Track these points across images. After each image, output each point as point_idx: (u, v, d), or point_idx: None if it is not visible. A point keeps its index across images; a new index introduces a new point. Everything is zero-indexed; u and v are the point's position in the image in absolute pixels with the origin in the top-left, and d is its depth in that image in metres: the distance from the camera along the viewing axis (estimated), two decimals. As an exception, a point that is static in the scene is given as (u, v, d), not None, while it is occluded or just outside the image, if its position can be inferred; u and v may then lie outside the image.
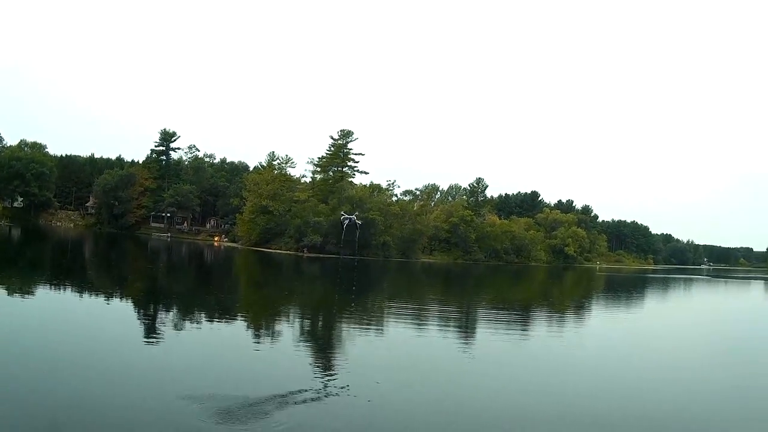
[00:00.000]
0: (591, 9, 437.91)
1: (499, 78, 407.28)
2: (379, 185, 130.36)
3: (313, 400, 14.93)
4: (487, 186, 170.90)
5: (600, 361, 24.74)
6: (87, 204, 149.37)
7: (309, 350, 23.17)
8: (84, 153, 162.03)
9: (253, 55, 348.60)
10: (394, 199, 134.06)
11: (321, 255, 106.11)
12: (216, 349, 21.22)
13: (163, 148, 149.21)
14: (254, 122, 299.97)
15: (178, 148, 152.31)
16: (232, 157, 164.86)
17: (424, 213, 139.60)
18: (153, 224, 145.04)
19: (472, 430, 14.08)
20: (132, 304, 33.24)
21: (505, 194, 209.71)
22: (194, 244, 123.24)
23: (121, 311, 29.34)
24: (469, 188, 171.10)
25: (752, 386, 20.83)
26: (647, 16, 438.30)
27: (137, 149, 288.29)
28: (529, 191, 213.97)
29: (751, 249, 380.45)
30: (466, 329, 31.96)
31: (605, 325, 39.39)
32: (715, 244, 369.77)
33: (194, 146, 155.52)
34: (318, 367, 19.14)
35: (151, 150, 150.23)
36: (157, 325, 25.75)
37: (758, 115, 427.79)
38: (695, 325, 44.02)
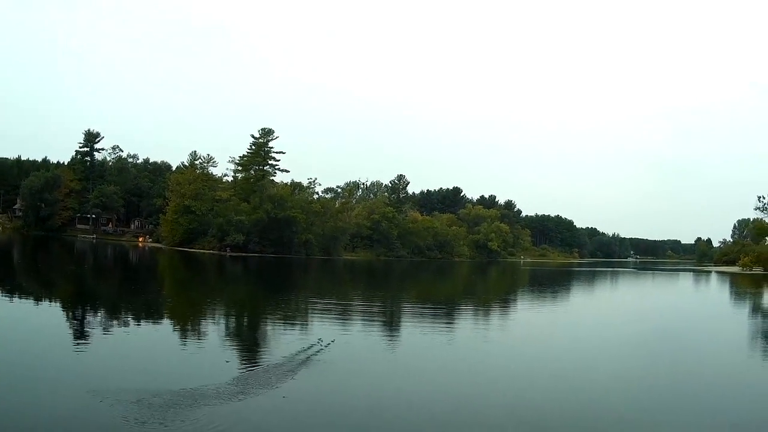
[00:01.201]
0: (501, 10, 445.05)
1: (419, 74, 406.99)
2: (300, 183, 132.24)
3: (229, 395, 14.61)
4: (408, 182, 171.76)
5: (519, 354, 24.55)
6: (15, 207, 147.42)
7: (229, 347, 22.50)
8: (11, 155, 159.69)
9: (175, 52, 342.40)
10: (316, 197, 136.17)
11: (244, 254, 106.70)
12: (133, 347, 20.78)
13: (88, 149, 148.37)
14: (177, 121, 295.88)
15: (102, 149, 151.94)
16: (156, 157, 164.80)
17: (346, 210, 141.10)
18: (79, 226, 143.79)
19: (389, 426, 13.89)
20: (56, 306, 33.09)
21: (427, 190, 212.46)
22: (119, 245, 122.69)
23: (45, 313, 28.81)
24: (390, 185, 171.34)
25: (671, 379, 20.51)
26: (559, 17, 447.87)
27: (63, 150, 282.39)
28: (451, 187, 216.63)
29: (679, 241, 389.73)
30: (390, 325, 31.25)
31: (527, 319, 38.52)
32: (642, 237, 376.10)
33: (118, 147, 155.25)
34: (236, 363, 18.67)
35: (75, 151, 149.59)
36: (79, 327, 25.43)
37: (675, 106, 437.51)
38: (617, 317, 42.94)
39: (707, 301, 65.59)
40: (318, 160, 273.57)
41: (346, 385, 17.36)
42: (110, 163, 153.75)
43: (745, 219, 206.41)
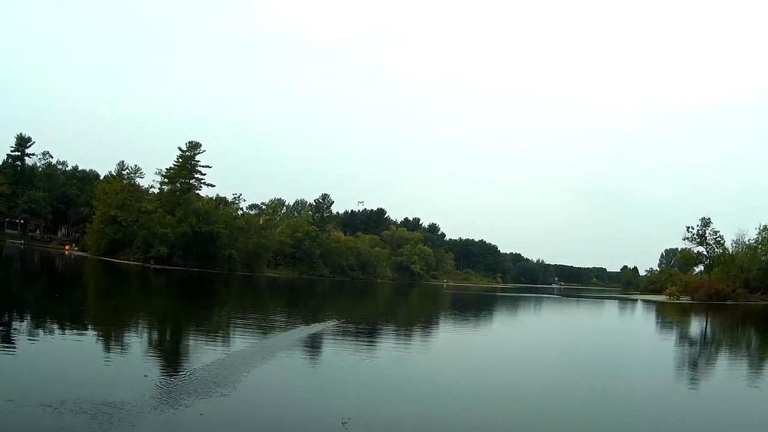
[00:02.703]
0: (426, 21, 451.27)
1: (343, 92, 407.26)
2: (225, 198, 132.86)
3: (145, 410, 14.45)
4: (332, 202, 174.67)
5: (438, 376, 24.65)
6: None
7: (147, 360, 22.04)
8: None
9: (103, 60, 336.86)
10: (240, 212, 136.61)
11: (167, 267, 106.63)
12: (43, 356, 20.79)
13: (19, 154, 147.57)
14: (105, 129, 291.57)
15: (33, 154, 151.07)
16: (85, 165, 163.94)
17: (270, 227, 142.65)
18: (7, 230, 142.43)
19: None
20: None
21: (351, 211, 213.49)
22: (46, 252, 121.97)
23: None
24: (314, 204, 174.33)
25: (596, 403, 21.10)
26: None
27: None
28: (375, 208, 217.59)
29: (605, 269, 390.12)
30: (312, 345, 30.63)
31: (446, 342, 38.81)
32: (566, 264, 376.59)
33: (48, 153, 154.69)
34: (154, 378, 18.35)
35: (7, 155, 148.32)
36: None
37: (602, 131, 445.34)
38: (540, 342, 43.59)
39: (633, 328, 67.63)
40: (244, 175, 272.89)
41: (266, 402, 17.45)
42: (40, 169, 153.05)
43: (672, 249, 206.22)
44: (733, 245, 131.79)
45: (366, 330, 41.40)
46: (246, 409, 16.00)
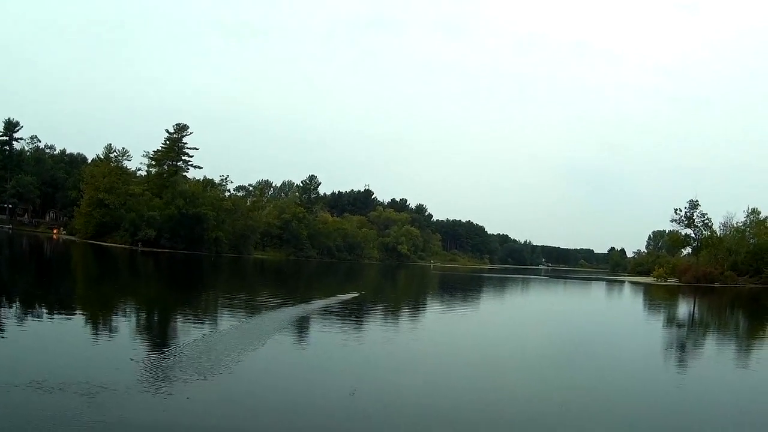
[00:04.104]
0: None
1: (331, 72, 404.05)
2: (212, 180, 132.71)
3: (130, 393, 14.34)
4: (320, 183, 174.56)
5: (427, 357, 24.31)
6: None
7: (133, 343, 21.68)
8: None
9: (91, 42, 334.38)
10: (227, 194, 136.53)
11: (155, 249, 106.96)
12: (30, 339, 20.61)
13: (7, 138, 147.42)
14: (94, 113, 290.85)
15: (21, 139, 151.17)
16: (72, 149, 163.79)
17: (257, 209, 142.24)
18: None
19: (286, 427, 13.66)
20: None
21: (339, 192, 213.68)
22: (34, 236, 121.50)
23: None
24: (302, 185, 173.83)
25: (584, 382, 20.95)
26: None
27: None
28: (362, 189, 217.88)
29: (592, 251, 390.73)
30: (299, 326, 29.88)
31: (435, 323, 38.64)
32: (554, 245, 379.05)
33: (36, 137, 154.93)
34: (140, 361, 17.93)
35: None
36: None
37: (592, 114, 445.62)
38: (529, 323, 43.49)
39: (621, 310, 67.32)
40: (231, 157, 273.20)
41: (254, 384, 17.14)
42: (28, 153, 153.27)
43: (660, 231, 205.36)
44: (721, 228, 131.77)
45: (354, 311, 40.21)
46: (234, 393, 15.64)
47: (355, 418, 14.70)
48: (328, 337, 27.69)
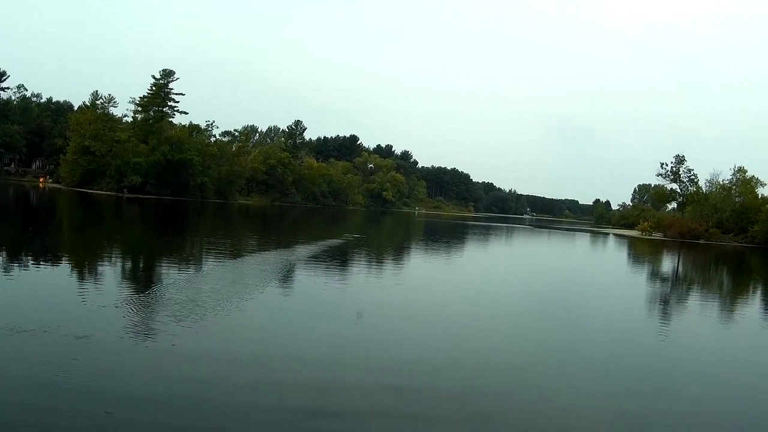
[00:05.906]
0: None
1: (316, 18, 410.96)
2: (198, 126, 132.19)
3: (113, 339, 14.16)
4: (305, 129, 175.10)
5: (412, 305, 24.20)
6: None
7: (118, 289, 21.39)
8: None
9: None
10: (213, 140, 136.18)
11: (140, 196, 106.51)
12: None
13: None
14: (79, 60, 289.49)
15: (8, 88, 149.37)
16: (59, 96, 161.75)
17: (242, 154, 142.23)
18: None
19: (273, 377, 13.07)
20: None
21: (324, 137, 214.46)
22: (20, 185, 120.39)
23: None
24: (287, 130, 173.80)
25: (569, 334, 21.06)
26: None
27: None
28: (348, 135, 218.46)
29: (577, 201, 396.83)
30: (286, 272, 29.68)
31: (419, 270, 39.05)
32: (539, 195, 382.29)
33: (23, 86, 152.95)
34: (125, 308, 17.54)
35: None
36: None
37: (578, 68, 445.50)
38: (511, 274, 43.63)
39: (605, 262, 67.41)
40: (217, 103, 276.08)
41: (238, 331, 16.77)
42: (14, 102, 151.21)
43: (646, 184, 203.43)
44: (707, 185, 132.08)
45: (340, 258, 40.34)
46: (220, 341, 15.40)
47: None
48: (312, 282, 27.83)
